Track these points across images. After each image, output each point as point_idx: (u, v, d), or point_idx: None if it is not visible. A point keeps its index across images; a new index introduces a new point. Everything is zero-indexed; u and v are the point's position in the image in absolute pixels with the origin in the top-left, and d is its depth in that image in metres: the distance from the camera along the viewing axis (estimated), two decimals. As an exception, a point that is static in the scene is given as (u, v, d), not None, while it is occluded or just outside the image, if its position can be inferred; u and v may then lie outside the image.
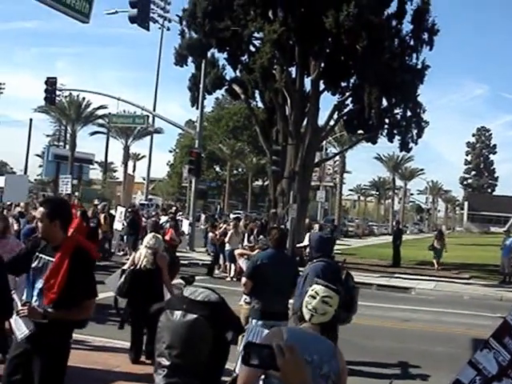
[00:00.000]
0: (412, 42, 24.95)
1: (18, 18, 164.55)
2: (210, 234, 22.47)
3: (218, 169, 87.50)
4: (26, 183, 21.03)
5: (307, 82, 26.05)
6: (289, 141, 25.67)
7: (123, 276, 8.46)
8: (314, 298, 3.54)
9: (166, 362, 2.42)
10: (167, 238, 17.04)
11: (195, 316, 2.35)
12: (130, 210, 24.14)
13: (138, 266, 8.38)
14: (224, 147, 78.92)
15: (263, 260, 7.46)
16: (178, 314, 2.36)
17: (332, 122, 27.85)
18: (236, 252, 11.50)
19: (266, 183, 75.09)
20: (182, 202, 65.62)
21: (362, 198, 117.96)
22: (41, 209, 4.70)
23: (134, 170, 76.85)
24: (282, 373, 2.24)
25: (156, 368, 2.49)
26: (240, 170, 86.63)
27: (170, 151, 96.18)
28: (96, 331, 9.54)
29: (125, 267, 8.76)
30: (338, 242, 42.46)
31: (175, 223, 22.18)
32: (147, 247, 8.46)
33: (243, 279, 7.62)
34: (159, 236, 9.10)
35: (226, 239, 20.31)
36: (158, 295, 7.84)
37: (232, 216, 37.10)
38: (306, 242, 7.07)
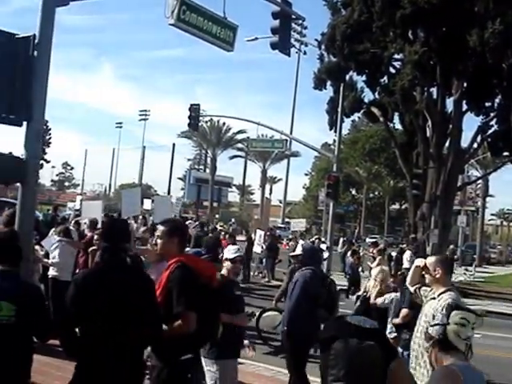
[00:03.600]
0: None
1: (161, 46, 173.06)
2: (350, 259, 22.19)
3: (353, 192, 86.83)
4: (170, 203, 22.06)
5: (449, 102, 25.36)
6: (430, 164, 25.00)
7: (358, 300, 9.75)
8: (465, 325, 3.38)
9: None
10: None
11: (371, 343, 2.33)
12: (268, 233, 24.58)
13: (368, 295, 9.34)
14: (360, 170, 78.28)
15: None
16: (353, 341, 2.35)
17: (475, 144, 26.77)
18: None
19: (403, 207, 73.50)
20: (317, 225, 65.50)
21: (505, 222, 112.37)
22: (161, 227, 5.00)
23: (270, 193, 78.10)
24: None
25: None
26: (376, 193, 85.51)
27: (306, 174, 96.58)
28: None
29: (359, 293, 10.15)
30: (479, 269, 40.61)
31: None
32: (374, 280, 9.34)
33: (404, 310, 7.78)
34: (386, 268, 10.19)
35: (373, 265, 19.83)
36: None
37: (368, 240, 36.52)
38: (298, 252, 8.48)
